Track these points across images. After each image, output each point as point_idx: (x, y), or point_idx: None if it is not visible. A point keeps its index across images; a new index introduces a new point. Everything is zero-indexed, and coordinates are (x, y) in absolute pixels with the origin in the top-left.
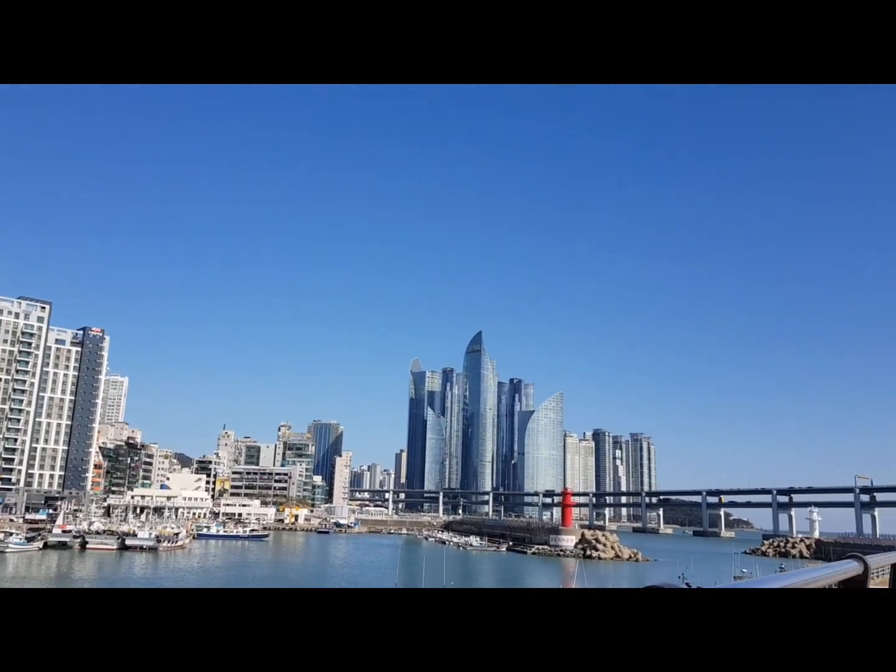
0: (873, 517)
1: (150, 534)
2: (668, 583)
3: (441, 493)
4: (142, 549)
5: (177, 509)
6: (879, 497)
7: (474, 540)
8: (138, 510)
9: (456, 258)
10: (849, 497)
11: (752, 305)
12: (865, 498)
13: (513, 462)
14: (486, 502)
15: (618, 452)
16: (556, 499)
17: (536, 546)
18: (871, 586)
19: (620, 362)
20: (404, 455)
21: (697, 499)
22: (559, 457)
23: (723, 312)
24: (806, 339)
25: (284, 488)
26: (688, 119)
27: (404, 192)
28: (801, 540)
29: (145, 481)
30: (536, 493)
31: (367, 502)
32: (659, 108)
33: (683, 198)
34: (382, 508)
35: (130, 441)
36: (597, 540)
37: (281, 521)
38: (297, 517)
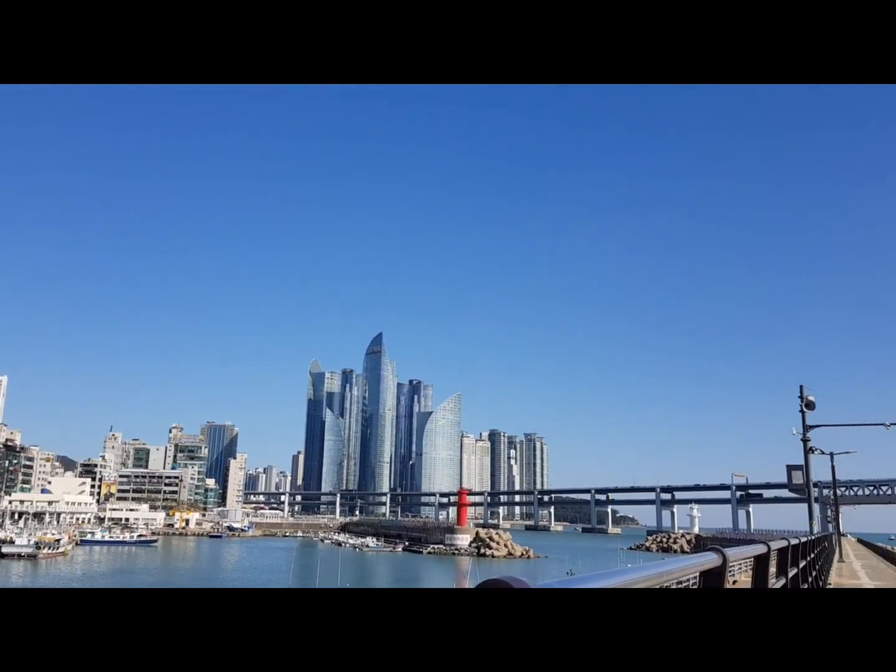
0: (748, 513)
1: (29, 540)
2: (508, 577)
3: (338, 495)
4: (19, 556)
5: (59, 514)
6: (753, 493)
7: (371, 541)
8: (16, 516)
9: (357, 258)
10: (726, 494)
11: (641, 310)
12: (741, 494)
13: (411, 463)
14: (384, 503)
15: (512, 452)
16: (453, 498)
17: (432, 546)
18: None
19: (517, 364)
20: (301, 457)
21: (587, 497)
22: (456, 457)
23: (613, 315)
24: (690, 344)
25: (175, 492)
26: (670, 118)
27: (309, 191)
28: (682, 535)
29: (25, 486)
30: (433, 494)
31: (262, 505)
32: (649, 107)
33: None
34: (278, 511)
35: (8, 443)
36: (490, 538)
37: (171, 525)
38: (187, 521)
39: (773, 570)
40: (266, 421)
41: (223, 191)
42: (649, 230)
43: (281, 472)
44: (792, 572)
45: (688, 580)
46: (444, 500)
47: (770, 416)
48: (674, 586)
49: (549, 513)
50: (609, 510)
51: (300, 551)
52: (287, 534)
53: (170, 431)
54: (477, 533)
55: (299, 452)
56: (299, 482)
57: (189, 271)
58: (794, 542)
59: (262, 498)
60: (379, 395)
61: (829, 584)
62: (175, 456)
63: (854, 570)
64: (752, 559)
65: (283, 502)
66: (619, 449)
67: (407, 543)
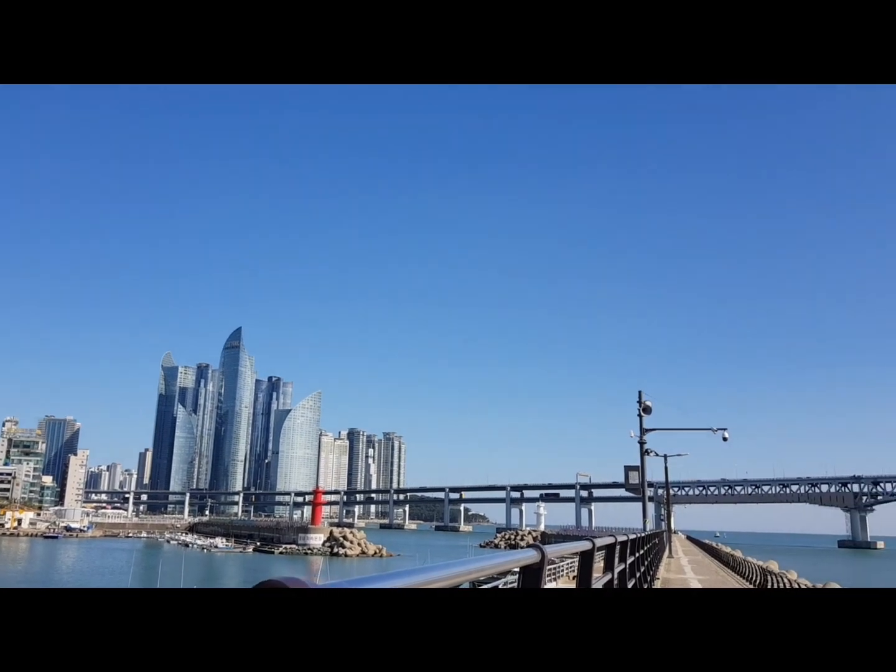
0: (590, 511)
1: None
2: (285, 577)
3: (188, 494)
4: None
5: None
6: (596, 493)
7: (220, 541)
8: None
9: (217, 250)
10: (571, 493)
11: (499, 310)
12: (585, 494)
13: (266, 461)
14: (237, 503)
15: (371, 451)
16: (308, 498)
17: (284, 545)
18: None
19: (378, 363)
20: (149, 454)
21: (441, 495)
22: (314, 456)
23: (472, 315)
24: (540, 349)
25: (7, 489)
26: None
27: (169, 181)
28: (529, 532)
29: None
30: (288, 493)
31: (104, 505)
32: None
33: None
34: (122, 511)
35: None
36: (344, 537)
37: (1, 525)
38: (20, 521)
39: (600, 565)
40: (112, 416)
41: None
42: (524, 227)
43: (126, 471)
44: (619, 568)
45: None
46: (300, 499)
47: (615, 418)
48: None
49: (404, 511)
50: (462, 508)
51: (143, 552)
52: (130, 534)
53: (2, 425)
54: (331, 532)
55: (147, 450)
56: (146, 481)
57: (42, 262)
58: (621, 538)
59: (104, 497)
60: (236, 392)
61: (658, 578)
62: (8, 451)
63: (681, 566)
64: (578, 555)
65: (127, 501)
66: (474, 448)
67: (258, 544)
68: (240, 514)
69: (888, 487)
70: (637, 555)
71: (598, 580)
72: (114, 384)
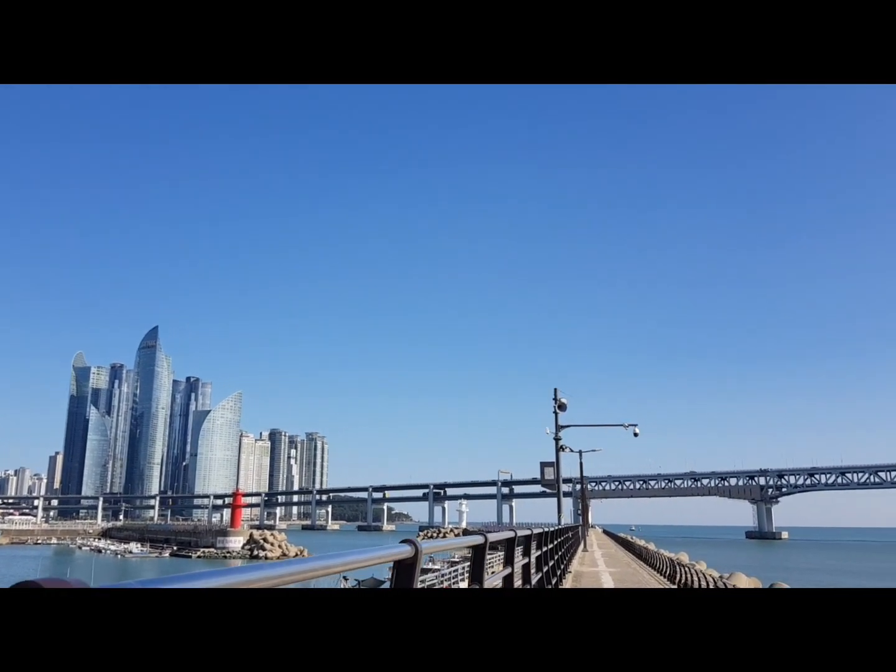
0: (511, 507)
1: None
2: (46, 578)
3: (101, 499)
4: None
5: None
6: (517, 489)
7: (135, 546)
8: None
9: (131, 247)
10: (493, 490)
11: (424, 308)
12: (506, 490)
13: (184, 464)
14: (153, 507)
15: (293, 452)
16: (228, 500)
17: (203, 549)
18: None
19: (300, 362)
20: (60, 457)
21: (364, 495)
22: (234, 457)
23: (394, 311)
24: (461, 347)
25: None
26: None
27: (86, 167)
28: (451, 530)
29: None
30: (207, 496)
31: (11, 511)
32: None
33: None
34: (30, 517)
35: None
36: (265, 539)
37: None
38: None
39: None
40: (18, 419)
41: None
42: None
43: (36, 475)
44: (522, 561)
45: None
46: (219, 502)
47: (537, 415)
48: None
49: (327, 512)
50: (385, 507)
51: (52, 560)
52: (39, 541)
53: None
54: (251, 535)
55: (58, 453)
56: (57, 485)
57: None
58: (524, 532)
59: (11, 502)
60: (152, 393)
61: (570, 572)
62: None
63: (595, 559)
64: (471, 549)
65: (36, 507)
66: (397, 448)
67: (175, 548)
68: (156, 518)
69: (792, 480)
70: (545, 549)
71: (498, 575)
72: (21, 385)
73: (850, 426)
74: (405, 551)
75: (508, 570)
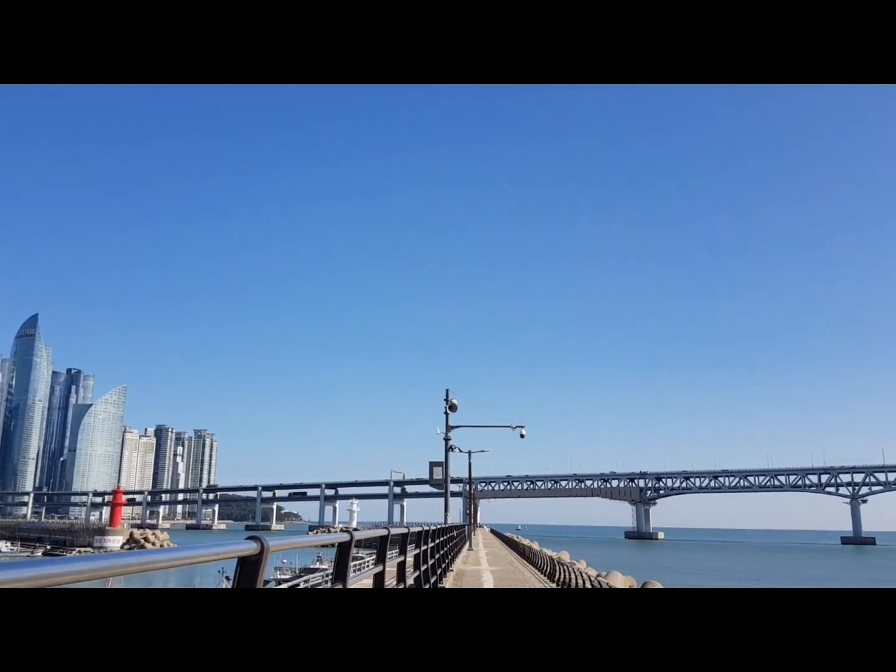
0: (402, 507)
1: None
2: None
3: None
4: None
5: None
6: (409, 489)
7: (4, 545)
8: None
9: (8, 230)
10: (385, 489)
11: (316, 304)
12: (398, 490)
13: (62, 459)
14: (26, 503)
15: (179, 449)
16: (108, 498)
17: (79, 548)
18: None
19: (189, 356)
20: None
21: (253, 494)
22: (116, 454)
23: (284, 312)
24: (356, 345)
25: None
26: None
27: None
28: (342, 529)
29: None
30: (86, 493)
31: None
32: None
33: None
34: None
35: None
36: (146, 539)
37: None
38: None
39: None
40: None
41: None
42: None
43: None
44: (398, 559)
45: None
46: (99, 499)
47: (432, 416)
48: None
49: (214, 511)
50: (274, 507)
51: None
52: None
53: None
54: (131, 534)
55: None
56: None
57: None
58: (398, 531)
59: None
60: (29, 384)
61: (452, 570)
62: None
63: (479, 558)
64: (336, 546)
65: None
66: (289, 447)
67: (49, 547)
68: (29, 515)
69: (669, 483)
70: (424, 547)
71: (366, 573)
72: None
73: (722, 433)
74: (250, 548)
75: (380, 568)
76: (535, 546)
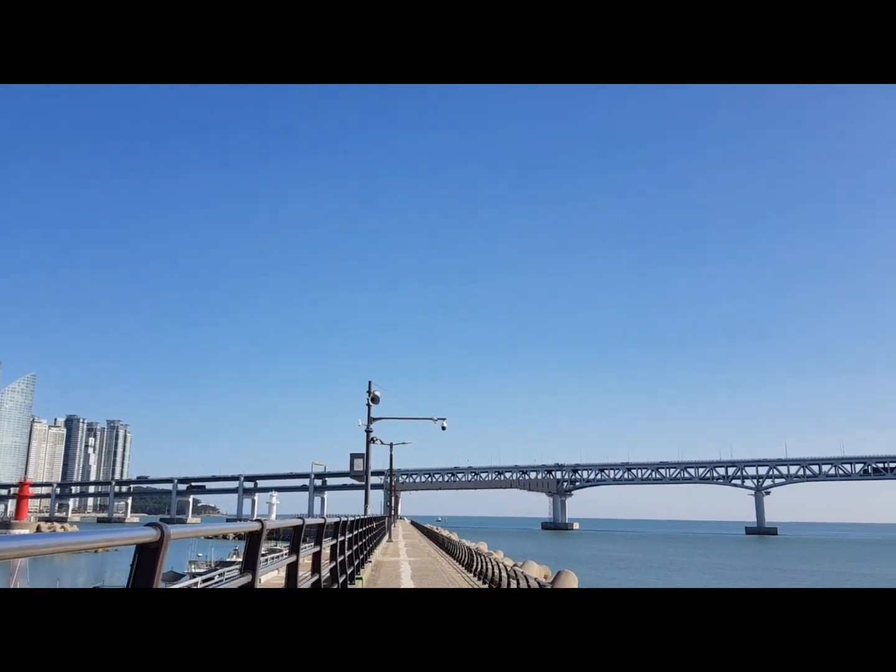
0: (323, 499)
1: None
2: None
3: None
4: None
5: None
6: (330, 482)
7: None
8: None
9: None
10: (306, 482)
11: (233, 295)
12: (319, 483)
13: None
14: None
15: (91, 440)
16: (14, 490)
17: None
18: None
19: (102, 345)
20: None
21: (169, 486)
22: (23, 444)
23: (202, 301)
24: (276, 337)
25: None
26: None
27: None
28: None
29: None
30: None
31: None
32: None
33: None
34: None
35: None
36: (53, 532)
37: None
38: None
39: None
40: None
41: None
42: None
43: None
44: (313, 549)
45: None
46: (5, 492)
47: (356, 408)
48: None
49: (126, 504)
50: (191, 499)
51: None
52: None
53: None
54: (38, 527)
55: None
56: None
57: None
58: (313, 521)
59: None
60: None
61: (370, 561)
62: None
63: (398, 549)
64: (247, 535)
65: None
66: (208, 438)
67: None
68: None
69: (585, 474)
70: (342, 538)
71: (277, 563)
72: None
73: (636, 427)
74: (149, 535)
75: (293, 559)
76: (455, 537)
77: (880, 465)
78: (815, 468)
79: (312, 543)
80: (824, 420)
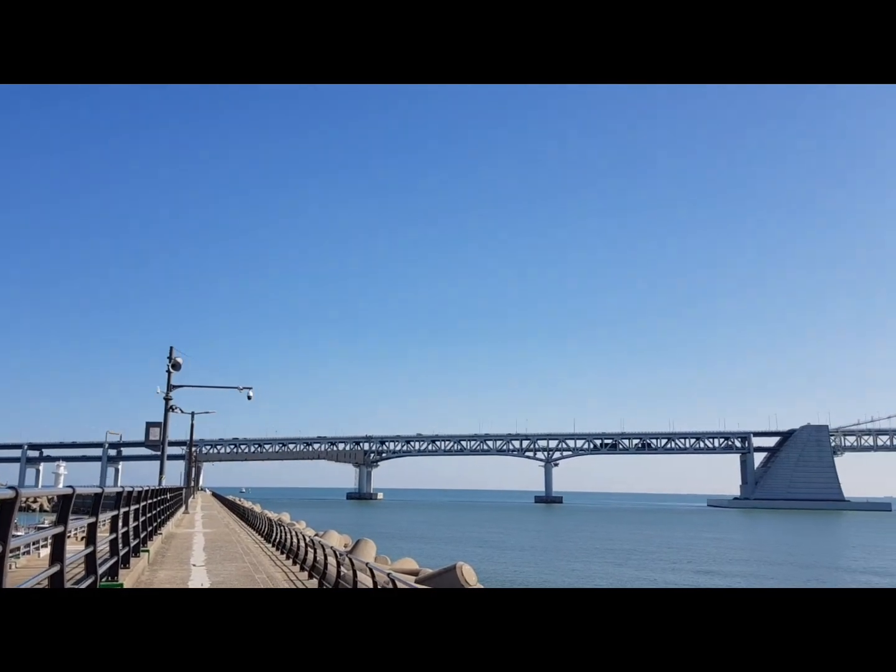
0: (117, 470)
1: None
2: None
3: None
4: None
5: None
6: (127, 451)
7: None
8: None
9: None
10: (100, 451)
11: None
12: (113, 453)
13: None
14: None
15: None
16: None
17: None
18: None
19: None
20: None
21: None
22: None
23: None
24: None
25: None
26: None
27: None
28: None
29: None
30: None
31: None
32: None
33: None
34: None
35: None
36: None
37: None
38: None
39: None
40: None
41: None
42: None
43: None
44: (89, 520)
45: None
46: None
47: (156, 376)
48: None
49: None
50: None
51: None
52: None
53: None
54: None
55: None
56: None
57: None
58: (84, 490)
59: None
60: None
61: (160, 533)
62: None
63: (194, 521)
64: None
65: None
66: None
67: None
68: None
69: (391, 446)
70: (126, 509)
71: (36, 534)
72: None
73: (441, 402)
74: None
75: (59, 529)
76: (257, 508)
77: (652, 441)
78: (598, 442)
79: (89, 515)
80: (608, 400)
